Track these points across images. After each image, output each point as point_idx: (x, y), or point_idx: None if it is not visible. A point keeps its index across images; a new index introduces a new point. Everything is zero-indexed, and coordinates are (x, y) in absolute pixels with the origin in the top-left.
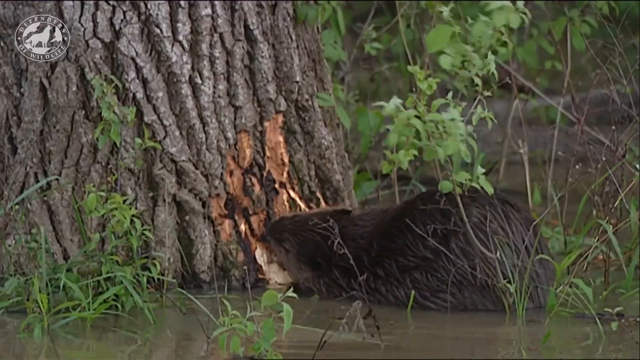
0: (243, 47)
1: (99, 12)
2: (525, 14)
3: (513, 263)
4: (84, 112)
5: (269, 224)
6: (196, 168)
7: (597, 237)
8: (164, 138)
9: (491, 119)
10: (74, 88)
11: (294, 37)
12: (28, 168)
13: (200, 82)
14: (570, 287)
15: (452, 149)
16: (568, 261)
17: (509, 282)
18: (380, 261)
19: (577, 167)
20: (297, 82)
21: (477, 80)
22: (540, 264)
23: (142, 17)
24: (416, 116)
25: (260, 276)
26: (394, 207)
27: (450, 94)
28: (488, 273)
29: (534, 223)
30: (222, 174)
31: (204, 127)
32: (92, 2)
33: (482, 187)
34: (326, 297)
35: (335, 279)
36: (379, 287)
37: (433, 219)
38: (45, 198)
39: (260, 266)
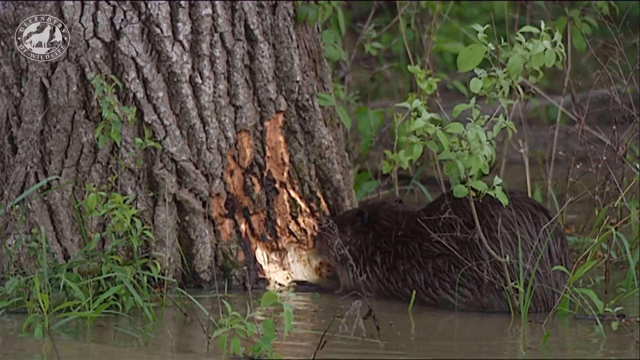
0: (243, 47)
1: (99, 12)
2: (562, 49)
3: (532, 268)
4: (84, 112)
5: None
6: (196, 168)
7: (597, 237)
8: (164, 138)
9: (512, 129)
10: (74, 88)
11: (294, 37)
12: (28, 168)
13: (200, 81)
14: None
15: (477, 167)
16: (583, 271)
17: (518, 284)
18: (405, 241)
19: (577, 166)
20: (297, 81)
21: (503, 102)
22: (562, 273)
23: (143, 16)
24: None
25: (261, 276)
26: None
27: (473, 101)
28: (495, 274)
29: (562, 231)
30: (222, 174)
31: (204, 126)
32: (92, 2)
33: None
34: (356, 276)
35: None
36: (398, 266)
37: (464, 210)
38: (45, 198)
39: (261, 266)
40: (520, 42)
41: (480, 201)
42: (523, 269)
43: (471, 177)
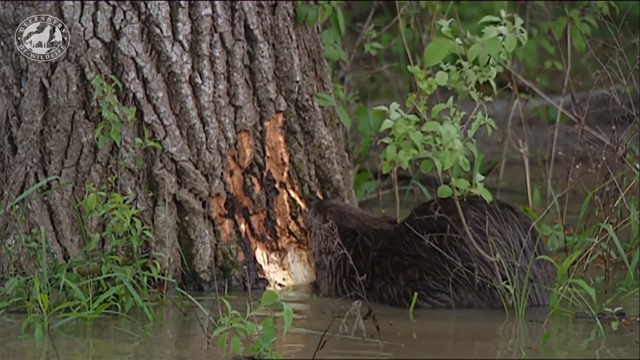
0: (243, 47)
1: (99, 12)
2: (522, 32)
3: (509, 264)
4: (84, 112)
5: (315, 203)
6: (196, 168)
7: (597, 237)
8: (164, 138)
9: (491, 126)
10: (74, 88)
11: (294, 37)
12: (28, 168)
13: (200, 81)
14: (571, 287)
15: (450, 163)
16: (569, 262)
17: (508, 283)
18: (379, 261)
19: (577, 167)
20: (297, 81)
21: (474, 95)
22: (538, 264)
23: (142, 17)
24: (416, 122)
25: (260, 276)
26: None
27: (450, 100)
28: (484, 275)
29: (532, 225)
30: (222, 174)
31: (204, 126)
32: (92, 2)
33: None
34: (330, 290)
35: (343, 275)
36: (375, 285)
37: (432, 222)
38: (45, 198)
39: (260, 266)
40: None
41: (465, 199)
42: (499, 266)
43: (462, 176)
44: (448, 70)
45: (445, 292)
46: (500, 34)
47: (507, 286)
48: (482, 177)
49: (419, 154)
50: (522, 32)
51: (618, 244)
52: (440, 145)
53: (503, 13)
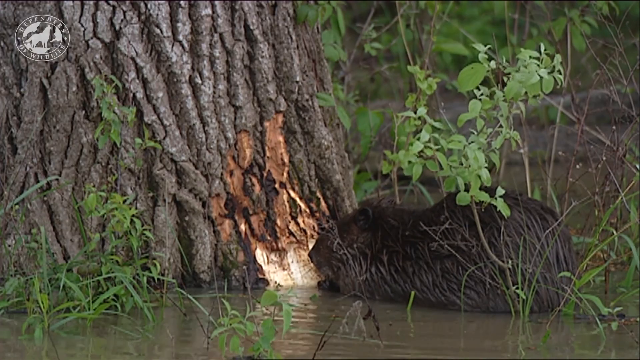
0: (243, 47)
1: (99, 12)
2: (560, 72)
3: (540, 272)
4: (84, 112)
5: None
6: (196, 168)
7: (597, 237)
8: (164, 138)
9: (516, 140)
10: (74, 88)
11: (294, 37)
12: (28, 168)
13: (200, 82)
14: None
15: (476, 188)
16: (588, 277)
17: (521, 288)
18: (413, 242)
19: (577, 167)
20: (297, 82)
21: (503, 122)
22: (568, 279)
23: (142, 17)
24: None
25: (260, 276)
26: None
27: (479, 118)
28: (501, 278)
29: (569, 236)
30: (222, 174)
31: (204, 127)
32: (92, 2)
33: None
34: (355, 283)
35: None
36: (407, 268)
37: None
38: (45, 198)
39: (260, 266)
40: (525, 66)
41: (483, 209)
42: (531, 273)
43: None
44: (481, 95)
45: (475, 290)
46: (540, 77)
47: (519, 292)
48: (503, 191)
49: (441, 173)
50: (560, 71)
51: (633, 247)
52: (466, 167)
53: (542, 48)
